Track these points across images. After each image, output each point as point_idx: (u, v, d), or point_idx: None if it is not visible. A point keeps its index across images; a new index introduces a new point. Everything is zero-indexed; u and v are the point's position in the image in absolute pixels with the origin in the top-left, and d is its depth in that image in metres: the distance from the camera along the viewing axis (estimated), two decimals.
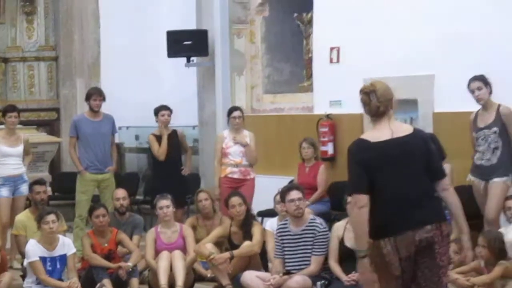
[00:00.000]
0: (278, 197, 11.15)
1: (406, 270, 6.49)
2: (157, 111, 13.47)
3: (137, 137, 16.72)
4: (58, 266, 10.55)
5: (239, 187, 12.59)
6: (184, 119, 15.30)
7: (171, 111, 13.49)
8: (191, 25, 15.71)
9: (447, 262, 6.72)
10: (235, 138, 12.84)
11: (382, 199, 6.51)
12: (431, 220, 6.56)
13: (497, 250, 8.87)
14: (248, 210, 11.39)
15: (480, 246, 9.16)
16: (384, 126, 6.73)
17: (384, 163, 6.58)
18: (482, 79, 10.38)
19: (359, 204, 6.48)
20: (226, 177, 12.81)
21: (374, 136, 6.71)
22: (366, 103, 6.69)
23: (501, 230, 9.68)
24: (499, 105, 10.39)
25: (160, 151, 13.35)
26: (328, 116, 13.34)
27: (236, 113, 13.02)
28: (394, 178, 6.59)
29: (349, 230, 10.49)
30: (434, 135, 11.37)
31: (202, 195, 11.93)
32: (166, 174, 13.45)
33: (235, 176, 12.78)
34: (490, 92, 10.39)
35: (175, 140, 13.60)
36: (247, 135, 12.92)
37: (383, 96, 6.71)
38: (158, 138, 13.42)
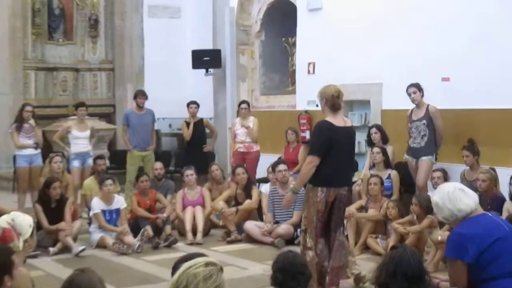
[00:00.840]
0: (270, 169, 11.18)
1: (326, 209, 7.39)
2: (188, 105, 13.61)
3: (170, 125, 16.65)
4: (114, 216, 10.49)
5: (245, 158, 12.61)
6: (203, 112, 15.14)
7: (198, 105, 13.61)
8: (209, 46, 15.63)
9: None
10: (241, 123, 12.80)
11: (329, 164, 7.27)
12: (349, 185, 7.78)
13: (426, 208, 8.79)
14: (249, 177, 11.38)
15: (413, 205, 9.11)
16: (340, 117, 7.50)
17: (337, 141, 7.34)
18: (416, 86, 10.38)
19: (313, 163, 7.28)
20: (236, 150, 12.82)
21: (335, 121, 7.36)
22: (336, 101, 7.39)
23: (429, 193, 9.59)
24: (428, 105, 10.40)
25: (187, 133, 13.48)
26: (306, 111, 13.25)
27: (243, 105, 13.03)
28: (340, 152, 7.37)
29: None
30: (380, 125, 11.30)
31: (214, 167, 11.88)
32: (191, 150, 13.59)
33: (241, 150, 12.73)
34: (422, 95, 10.36)
35: (200, 126, 13.64)
36: (251, 120, 12.83)
37: (342, 98, 7.50)
38: (188, 124, 13.51)
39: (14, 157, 12.66)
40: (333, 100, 7.40)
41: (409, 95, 10.42)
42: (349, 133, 7.61)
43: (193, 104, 13.55)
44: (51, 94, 17.76)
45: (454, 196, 4.94)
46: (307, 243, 7.46)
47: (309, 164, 7.34)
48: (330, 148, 7.28)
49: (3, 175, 14.67)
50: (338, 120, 7.43)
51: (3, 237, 5.12)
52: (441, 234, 8.34)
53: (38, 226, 9.20)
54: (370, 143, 11.13)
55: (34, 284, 5.27)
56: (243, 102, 13.32)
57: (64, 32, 18.03)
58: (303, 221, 7.62)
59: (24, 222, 5.28)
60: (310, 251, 7.40)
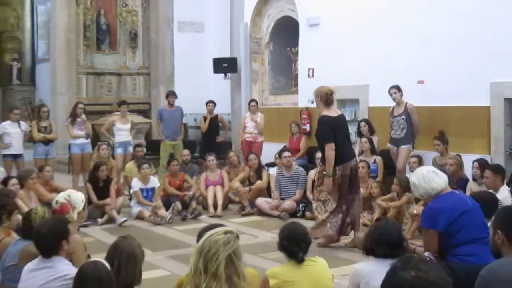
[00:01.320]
0: (277, 155, 11.15)
1: (346, 181, 7.93)
2: (206, 103, 13.62)
3: (195, 120, 16.57)
4: (149, 194, 10.53)
5: (251, 146, 12.50)
6: (222, 109, 15.10)
7: (214, 103, 13.59)
8: (227, 54, 15.57)
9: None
10: (251, 117, 12.75)
11: (338, 145, 7.81)
12: (354, 156, 8.25)
13: (404, 187, 8.79)
14: (259, 162, 11.38)
15: (394, 184, 9.12)
16: (333, 109, 8.09)
17: (337, 127, 7.92)
18: (397, 87, 10.37)
19: (332, 148, 7.76)
20: (244, 139, 12.73)
21: (331, 114, 7.97)
22: (329, 98, 8.00)
23: (407, 175, 9.58)
24: (406, 103, 10.39)
25: (204, 126, 13.53)
26: (306, 108, 13.17)
27: (252, 103, 12.96)
28: (341, 135, 7.97)
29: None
30: (368, 119, 11.27)
31: (231, 153, 11.86)
32: (207, 141, 13.61)
33: (249, 139, 12.65)
34: (401, 95, 10.35)
35: (215, 121, 13.62)
36: (259, 116, 12.75)
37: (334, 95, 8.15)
38: (205, 119, 13.53)
39: (69, 145, 12.69)
40: (326, 96, 8.03)
41: (391, 95, 10.40)
42: (342, 119, 8.25)
43: (210, 103, 13.56)
44: (99, 94, 17.76)
45: (428, 177, 4.95)
46: (327, 208, 8.01)
47: (330, 150, 7.81)
48: (334, 134, 7.81)
49: (61, 160, 14.70)
50: (332, 112, 8.04)
51: (61, 210, 5.14)
52: (416, 209, 8.34)
53: (88, 201, 9.26)
54: (359, 134, 11.11)
55: (86, 248, 5.28)
56: (252, 100, 13.25)
57: (110, 44, 18.01)
58: (320, 195, 8.06)
59: (78, 197, 5.30)
60: (327, 213, 8.02)
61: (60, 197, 5.24)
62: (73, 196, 5.27)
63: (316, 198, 8.18)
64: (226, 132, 14.26)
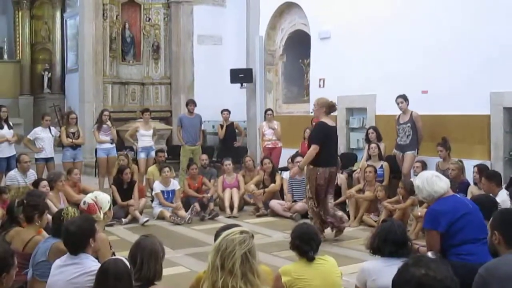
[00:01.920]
0: (290, 160, 11.14)
1: (324, 182, 8.31)
2: (221, 111, 13.75)
3: (213, 126, 16.57)
4: (170, 195, 10.56)
5: (272, 152, 12.54)
6: (238, 116, 15.14)
7: (229, 111, 13.73)
8: (243, 65, 15.58)
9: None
10: (268, 125, 12.82)
11: (326, 150, 8.26)
12: (336, 165, 8.81)
13: (409, 190, 8.77)
14: (274, 166, 11.35)
15: (400, 188, 9.11)
16: (330, 119, 8.57)
17: (330, 135, 8.43)
18: (403, 97, 10.35)
19: (315, 150, 8.21)
20: (265, 146, 12.79)
21: (328, 122, 8.44)
22: (331, 109, 8.57)
23: (412, 179, 9.57)
24: (411, 111, 10.36)
25: (221, 133, 13.70)
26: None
27: (269, 112, 13.04)
28: (331, 142, 8.48)
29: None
30: (376, 127, 11.23)
31: (247, 158, 11.92)
32: (224, 146, 13.73)
33: (269, 146, 12.71)
34: (408, 104, 10.30)
35: (231, 128, 13.74)
36: (276, 124, 12.81)
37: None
38: (222, 127, 13.68)
39: (96, 150, 12.74)
40: (330, 108, 8.52)
41: (398, 103, 10.36)
42: (335, 130, 8.75)
43: (225, 111, 13.68)
44: (124, 102, 17.84)
45: (431, 181, 4.94)
46: (314, 205, 8.43)
47: (313, 150, 8.24)
48: (325, 140, 8.29)
49: (88, 163, 14.77)
50: (329, 121, 8.51)
51: (88, 210, 5.18)
52: (420, 210, 8.33)
53: (113, 202, 9.29)
54: (367, 140, 11.07)
55: (111, 246, 5.31)
56: (269, 109, 13.30)
57: (134, 55, 18.11)
58: (308, 193, 8.51)
59: (104, 198, 5.34)
60: (316, 208, 8.44)
61: (88, 198, 5.28)
62: (100, 197, 5.31)
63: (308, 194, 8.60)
64: (243, 137, 14.34)
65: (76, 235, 4.32)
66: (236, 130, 13.95)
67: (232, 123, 13.75)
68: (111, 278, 3.59)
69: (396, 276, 2.61)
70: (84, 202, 5.24)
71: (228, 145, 13.53)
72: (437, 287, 2.46)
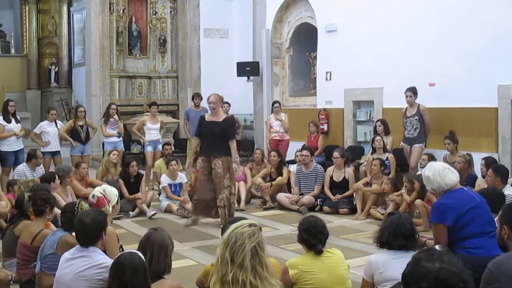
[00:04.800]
0: (298, 153, 11.06)
1: (204, 171, 9.00)
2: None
3: None
4: (177, 189, 10.55)
5: (279, 144, 12.48)
6: (245, 109, 15.22)
7: (229, 104, 13.52)
8: (250, 59, 15.59)
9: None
10: (276, 117, 12.76)
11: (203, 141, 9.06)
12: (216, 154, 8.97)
13: (413, 183, 8.85)
14: (281, 159, 11.29)
15: (405, 181, 9.15)
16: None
17: (207, 129, 9.08)
18: (412, 90, 10.35)
19: (198, 142, 9.12)
20: (271, 138, 12.74)
21: (208, 117, 9.16)
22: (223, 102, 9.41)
23: (419, 172, 9.58)
24: (419, 104, 10.35)
25: None
26: (324, 109, 13.17)
27: (276, 105, 12.98)
28: (207, 135, 9.01)
29: (335, 171, 10.42)
30: (384, 120, 11.17)
31: (257, 151, 11.85)
32: None
33: (276, 138, 12.66)
34: (416, 97, 10.29)
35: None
36: (283, 115, 12.77)
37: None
38: None
39: (103, 144, 12.77)
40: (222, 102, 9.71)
41: (406, 96, 10.34)
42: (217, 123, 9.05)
43: (225, 104, 13.33)
44: (131, 96, 17.87)
45: (443, 173, 4.91)
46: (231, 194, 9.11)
47: (195, 141, 9.38)
48: (201, 131, 9.23)
49: (95, 157, 14.78)
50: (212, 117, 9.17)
51: (98, 204, 5.21)
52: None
53: (121, 195, 9.31)
54: (375, 133, 11.06)
55: (119, 239, 5.34)
56: (276, 102, 13.27)
57: (140, 49, 18.12)
58: (227, 181, 9.02)
59: (112, 192, 5.36)
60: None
61: (97, 192, 5.30)
62: (108, 190, 5.34)
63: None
64: (241, 131, 14.21)
65: (90, 227, 4.34)
66: (236, 124, 13.91)
67: (232, 116, 13.69)
68: (128, 272, 3.59)
69: (408, 271, 2.56)
70: (93, 196, 5.26)
71: None
72: (454, 280, 2.43)
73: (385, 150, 10.55)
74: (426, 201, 8.54)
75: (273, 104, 13.15)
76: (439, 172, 4.92)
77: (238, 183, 10.95)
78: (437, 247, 4.67)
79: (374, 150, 10.62)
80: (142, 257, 3.75)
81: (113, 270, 3.70)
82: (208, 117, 9.17)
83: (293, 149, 11.96)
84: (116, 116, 12.29)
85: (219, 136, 8.98)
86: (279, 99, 14.49)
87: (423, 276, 2.47)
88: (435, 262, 2.49)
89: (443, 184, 4.90)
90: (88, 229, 4.33)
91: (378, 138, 10.57)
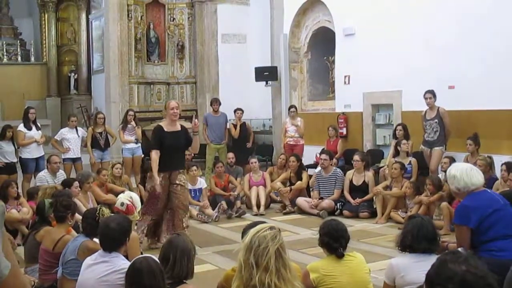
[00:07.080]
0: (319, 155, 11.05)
1: (166, 190, 7.82)
2: (234, 111, 13.61)
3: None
4: (197, 194, 10.56)
5: (293, 149, 12.39)
6: (263, 114, 15.22)
7: (242, 111, 13.58)
8: (268, 63, 15.59)
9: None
10: (291, 122, 12.68)
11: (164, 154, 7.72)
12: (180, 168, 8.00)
13: (437, 186, 8.78)
14: (300, 164, 11.27)
15: (428, 184, 9.11)
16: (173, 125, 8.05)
17: (168, 140, 7.84)
18: (432, 93, 10.33)
19: (157, 154, 7.65)
20: (286, 143, 12.66)
21: (167, 127, 7.98)
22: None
23: (439, 175, 9.53)
24: (438, 107, 10.33)
25: (235, 133, 13.44)
26: (343, 113, 13.15)
27: (292, 109, 12.89)
28: (170, 147, 7.77)
29: (355, 175, 10.38)
30: (405, 124, 11.12)
31: (282, 156, 11.83)
32: (237, 146, 13.40)
33: (290, 142, 12.57)
34: (435, 100, 10.24)
35: (244, 128, 13.66)
36: (299, 120, 12.68)
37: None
38: (235, 126, 13.54)
39: (122, 150, 12.81)
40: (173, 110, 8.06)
41: (426, 99, 10.32)
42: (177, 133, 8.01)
43: (239, 110, 13.54)
44: (149, 102, 17.96)
45: (471, 172, 4.87)
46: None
47: (154, 154, 7.70)
48: (162, 143, 7.79)
49: (115, 163, 14.87)
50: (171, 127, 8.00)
51: (127, 211, 5.25)
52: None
53: (141, 201, 9.34)
54: (394, 136, 11.01)
55: (140, 244, 5.35)
56: (292, 106, 13.20)
57: (159, 55, 18.21)
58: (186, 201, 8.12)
59: (137, 198, 5.42)
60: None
61: (124, 199, 5.33)
62: (134, 197, 5.38)
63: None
64: (252, 138, 14.11)
65: (116, 232, 4.36)
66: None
67: (244, 123, 13.72)
68: (145, 276, 3.61)
69: (433, 272, 2.54)
70: (122, 204, 5.30)
71: (241, 146, 13.40)
72: (480, 284, 2.41)
73: (408, 154, 10.50)
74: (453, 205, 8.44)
75: (289, 109, 13.12)
76: (467, 172, 4.88)
77: (257, 188, 10.98)
78: (460, 249, 4.64)
79: (397, 153, 10.56)
80: (157, 260, 3.76)
81: (130, 276, 3.72)
82: (167, 127, 8.03)
83: (309, 153, 11.94)
84: (133, 123, 12.31)
85: (182, 147, 8.16)
86: (298, 103, 14.49)
87: (449, 277, 2.45)
88: (461, 264, 2.47)
89: (470, 184, 4.85)
90: (113, 234, 4.35)
91: (404, 141, 10.53)
